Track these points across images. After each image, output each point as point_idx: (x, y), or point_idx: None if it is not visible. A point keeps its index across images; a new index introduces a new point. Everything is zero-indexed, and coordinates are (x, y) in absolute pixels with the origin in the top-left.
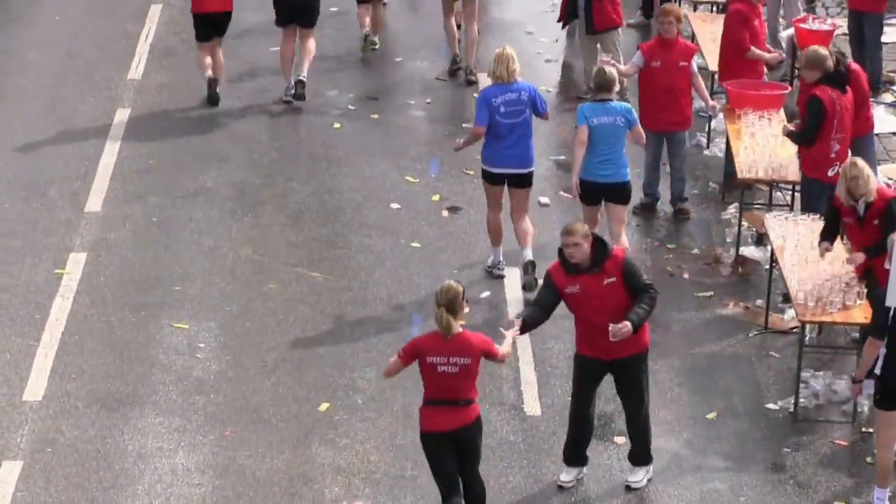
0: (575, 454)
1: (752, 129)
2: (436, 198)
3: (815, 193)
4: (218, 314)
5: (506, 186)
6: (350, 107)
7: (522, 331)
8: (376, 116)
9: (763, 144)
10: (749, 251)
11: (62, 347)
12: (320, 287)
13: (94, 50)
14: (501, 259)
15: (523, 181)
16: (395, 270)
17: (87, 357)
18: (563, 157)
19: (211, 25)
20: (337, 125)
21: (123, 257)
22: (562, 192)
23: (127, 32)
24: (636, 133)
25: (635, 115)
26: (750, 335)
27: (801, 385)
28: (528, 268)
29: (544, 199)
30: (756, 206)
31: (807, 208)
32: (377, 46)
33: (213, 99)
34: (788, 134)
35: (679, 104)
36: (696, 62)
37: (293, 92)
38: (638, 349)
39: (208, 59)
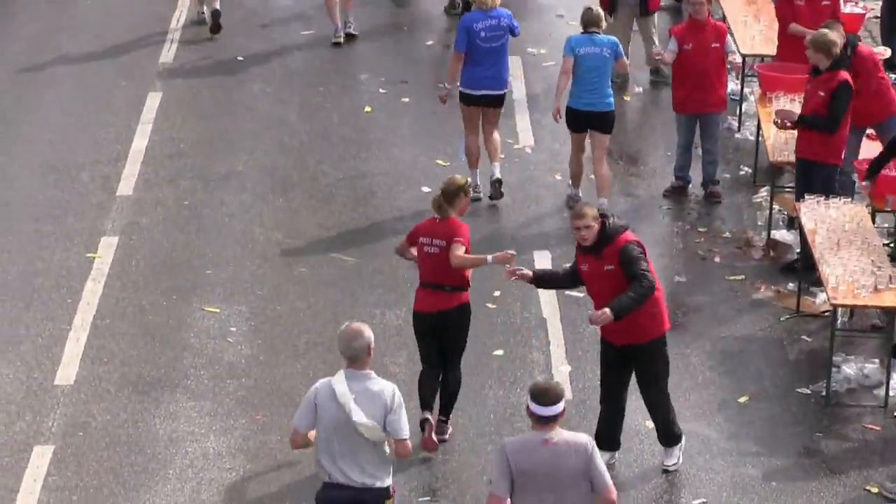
0: (606, 438)
1: None
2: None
3: (834, 177)
4: (249, 298)
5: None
6: (381, 90)
7: (534, 282)
8: (407, 100)
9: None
10: (780, 234)
11: (94, 331)
12: (351, 271)
13: (125, 33)
14: (479, 182)
15: (497, 101)
16: None
17: (118, 341)
18: None
19: None
20: (368, 109)
21: (155, 241)
22: (592, 177)
23: (158, 16)
24: (621, 64)
25: (621, 48)
26: (781, 319)
27: (833, 369)
28: (496, 184)
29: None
30: (787, 189)
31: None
32: None
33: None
34: (807, 121)
35: (713, 85)
36: (729, 43)
37: (342, 37)
38: (651, 336)
39: None
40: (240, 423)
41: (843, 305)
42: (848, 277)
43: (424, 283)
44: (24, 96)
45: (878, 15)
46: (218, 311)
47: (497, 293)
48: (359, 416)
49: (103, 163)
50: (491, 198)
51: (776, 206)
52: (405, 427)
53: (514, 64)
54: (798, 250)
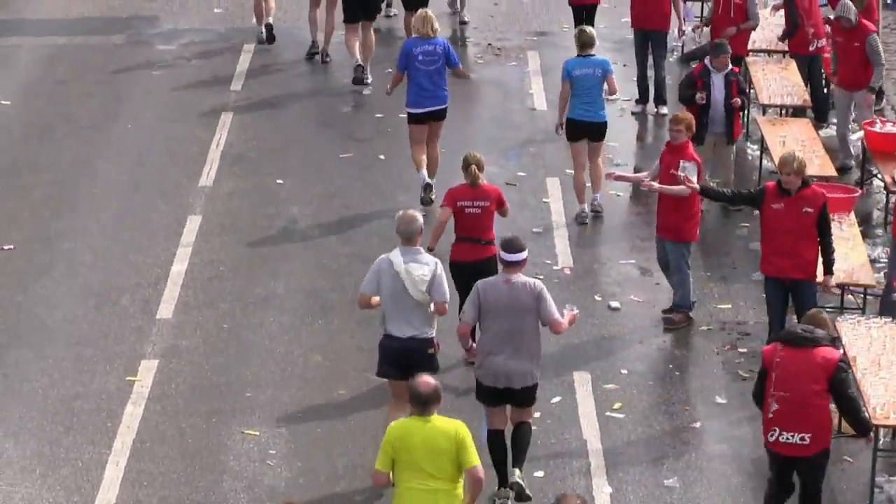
0: None
1: None
2: None
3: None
4: (289, 420)
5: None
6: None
7: None
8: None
9: (835, 247)
10: None
11: (134, 455)
12: (390, 393)
13: (165, 157)
14: (426, 178)
15: (440, 115)
16: (466, 375)
17: (158, 464)
18: (639, 262)
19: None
20: None
21: (195, 364)
22: (633, 297)
23: (198, 139)
24: (609, 81)
25: (611, 66)
26: None
27: (876, 489)
28: (427, 188)
29: (615, 304)
30: (828, 309)
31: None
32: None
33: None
34: None
35: (676, 210)
36: (688, 169)
37: (353, 77)
38: None
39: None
40: None
41: (885, 426)
42: (890, 397)
43: (463, 238)
44: (64, 220)
45: None
46: (257, 433)
47: (538, 414)
48: (409, 283)
49: (143, 286)
50: (422, 202)
51: None
52: (446, 292)
53: (552, 185)
54: None
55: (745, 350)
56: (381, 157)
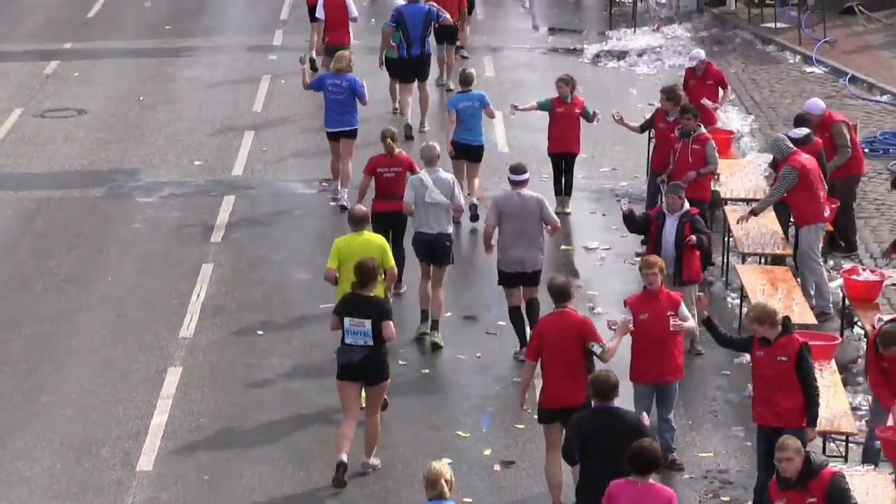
0: None
1: None
2: (487, 452)
3: None
4: None
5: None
6: (401, 362)
7: None
8: (427, 371)
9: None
10: None
11: None
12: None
13: (145, 310)
14: (339, 189)
15: (348, 134)
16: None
17: None
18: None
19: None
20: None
21: None
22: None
23: (178, 291)
24: (488, 111)
25: (488, 99)
26: None
27: None
28: (331, 187)
29: None
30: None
31: None
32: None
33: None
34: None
35: (671, 354)
36: (683, 309)
37: (407, 134)
38: None
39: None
40: None
41: None
42: None
43: (381, 195)
44: (44, 373)
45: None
46: None
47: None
48: (436, 192)
49: (123, 438)
50: (341, 205)
51: None
52: (461, 196)
53: None
54: None
55: (727, 499)
56: None
